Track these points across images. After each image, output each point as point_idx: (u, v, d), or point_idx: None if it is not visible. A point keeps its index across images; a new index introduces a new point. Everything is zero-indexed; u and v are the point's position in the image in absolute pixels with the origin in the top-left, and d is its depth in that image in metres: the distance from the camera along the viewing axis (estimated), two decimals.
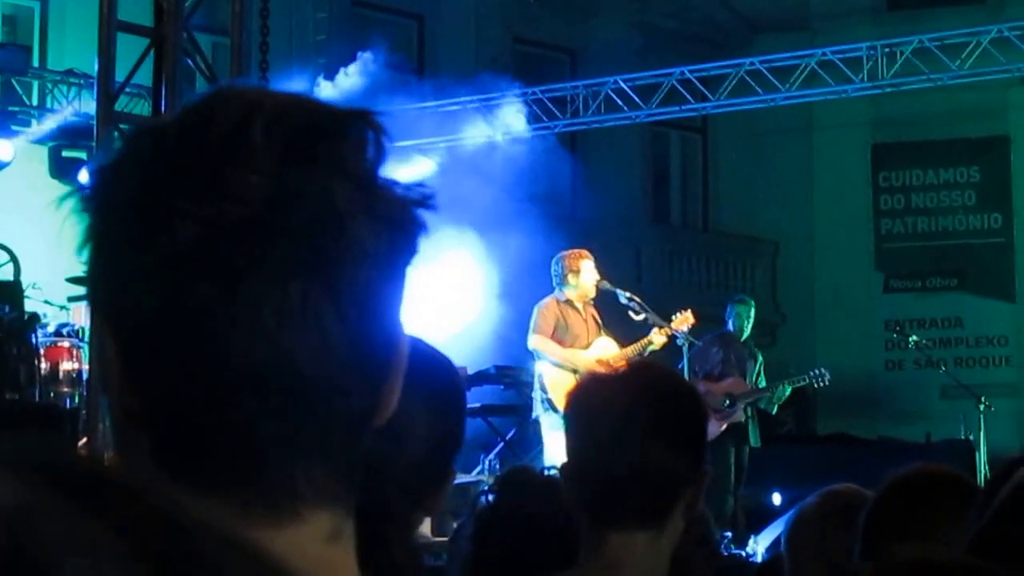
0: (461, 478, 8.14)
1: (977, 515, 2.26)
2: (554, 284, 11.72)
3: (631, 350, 11.77)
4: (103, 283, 1.18)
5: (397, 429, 2.22)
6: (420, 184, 1.23)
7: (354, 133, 1.18)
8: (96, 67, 11.14)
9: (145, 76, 11.34)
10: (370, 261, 1.16)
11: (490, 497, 3.31)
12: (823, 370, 13.97)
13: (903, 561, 1.90)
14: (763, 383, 13.72)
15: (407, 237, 1.20)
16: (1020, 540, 2.16)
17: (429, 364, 2.39)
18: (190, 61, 11.26)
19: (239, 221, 1.12)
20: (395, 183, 1.21)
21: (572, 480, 2.74)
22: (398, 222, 1.19)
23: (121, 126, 11.03)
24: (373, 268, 1.17)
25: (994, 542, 2.16)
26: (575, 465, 2.74)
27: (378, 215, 1.17)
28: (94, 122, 11.43)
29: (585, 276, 11.57)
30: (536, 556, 2.92)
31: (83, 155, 15.11)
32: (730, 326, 13.68)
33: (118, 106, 11.34)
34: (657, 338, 12.00)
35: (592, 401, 2.74)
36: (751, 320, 13.71)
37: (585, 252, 11.77)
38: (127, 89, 11.56)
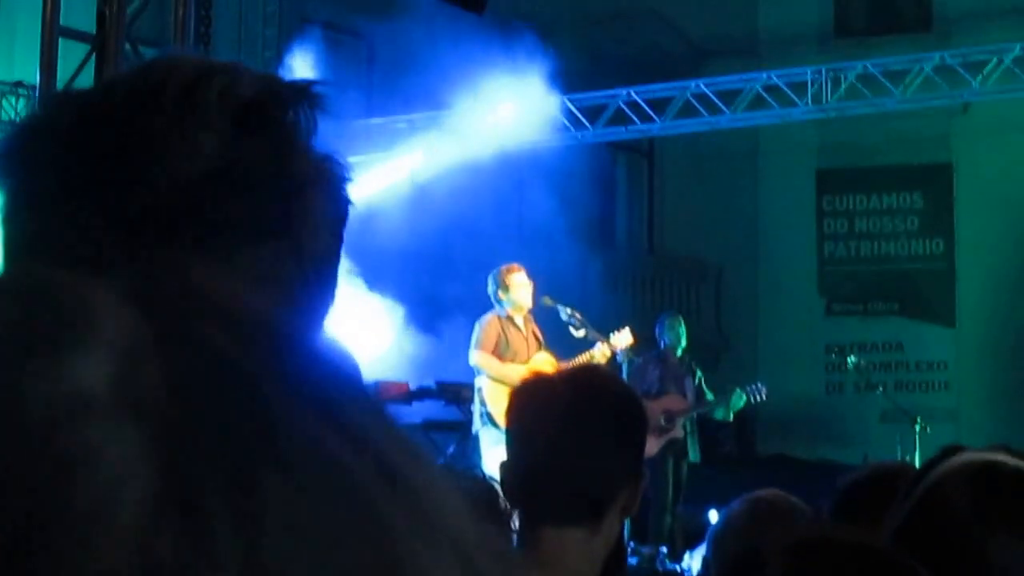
0: None
1: (902, 500, 2.26)
2: (492, 301, 11.84)
3: (569, 365, 11.88)
4: (34, 244, 1.15)
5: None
6: (344, 159, 1.25)
7: (302, 104, 1.18)
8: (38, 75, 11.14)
9: (87, 84, 11.38)
10: (324, 225, 1.18)
11: None
12: (760, 385, 14.11)
13: (805, 538, 1.88)
14: (710, 396, 13.84)
15: (344, 207, 1.22)
16: (931, 537, 2.16)
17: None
18: None
19: (201, 176, 1.11)
20: (331, 155, 1.22)
21: (511, 475, 2.77)
22: (337, 191, 1.21)
23: None
24: (327, 233, 1.19)
25: (909, 534, 2.17)
26: (514, 460, 2.77)
27: (325, 183, 1.19)
28: None
29: (516, 290, 11.67)
30: None
31: None
32: (664, 342, 13.80)
33: None
34: (599, 355, 12.13)
35: (535, 398, 2.79)
36: (684, 336, 13.81)
37: (515, 266, 11.87)
38: None
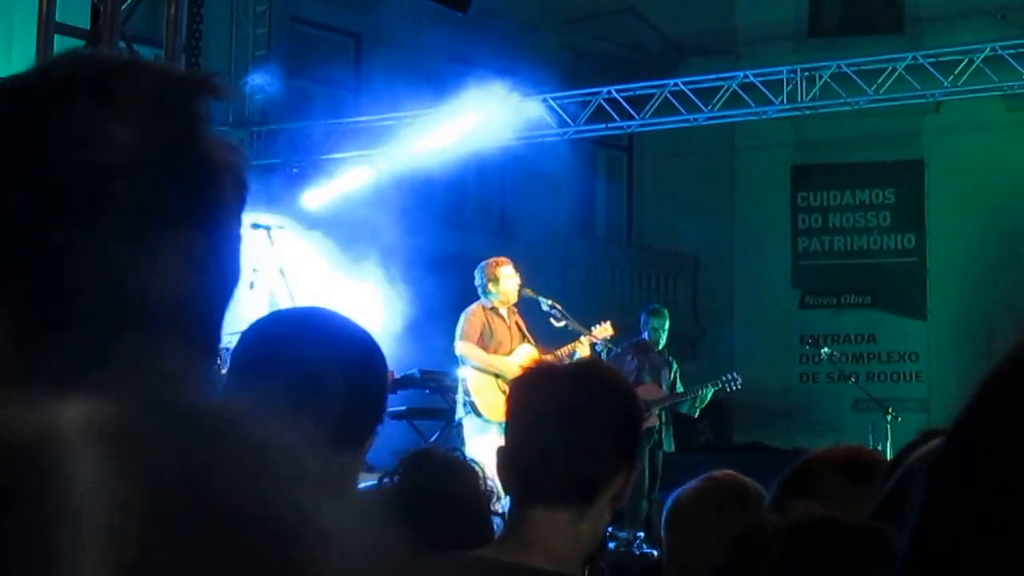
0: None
1: (880, 486, 2.26)
2: (479, 293, 11.99)
3: (553, 356, 12.02)
4: None
5: (315, 382, 2.43)
6: (239, 146, 1.28)
7: (206, 94, 1.21)
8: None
9: None
10: (231, 213, 1.21)
11: (394, 478, 3.37)
12: (735, 375, 14.27)
13: (809, 518, 1.94)
14: (680, 388, 13.99)
15: (244, 193, 1.24)
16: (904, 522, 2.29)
17: (346, 327, 2.60)
18: None
19: (116, 165, 1.13)
20: (231, 142, 1.25)
21: (507, 459, 2.84)
22: (241, 179, 1.24)
23: None
24: (234, 219, 1.22)
25: (888, 516, 2.15)
26: (512, 445, 2.85)
27: (231, 169, 1.22)
28: None
29: (504, 283, 11.85)
30: (440, 534, 2.81)
31: None
32: (645, 336, 13.94)
33: None
34: (582, 348, 12.34)
35: (538, 387, 2.88)
36: (667, 330, 14.04)
37: (503, 259, 12.05)
38: None
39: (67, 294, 1.12)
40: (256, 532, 0.68)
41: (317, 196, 16.31)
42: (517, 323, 12.05)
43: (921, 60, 16.66)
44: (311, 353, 2.51)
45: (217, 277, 1.19)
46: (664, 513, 3.97)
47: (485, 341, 11.87)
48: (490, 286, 11.87)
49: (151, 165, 1.14)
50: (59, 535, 0.70)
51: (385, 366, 2.62)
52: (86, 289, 1.11)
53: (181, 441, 0.63)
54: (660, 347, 13.90)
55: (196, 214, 1.16)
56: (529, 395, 2.88)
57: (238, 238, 1.22)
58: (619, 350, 13.27)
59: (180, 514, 0.59)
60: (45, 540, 0.65)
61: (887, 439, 15.32)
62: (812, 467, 3.13)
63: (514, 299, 11.92)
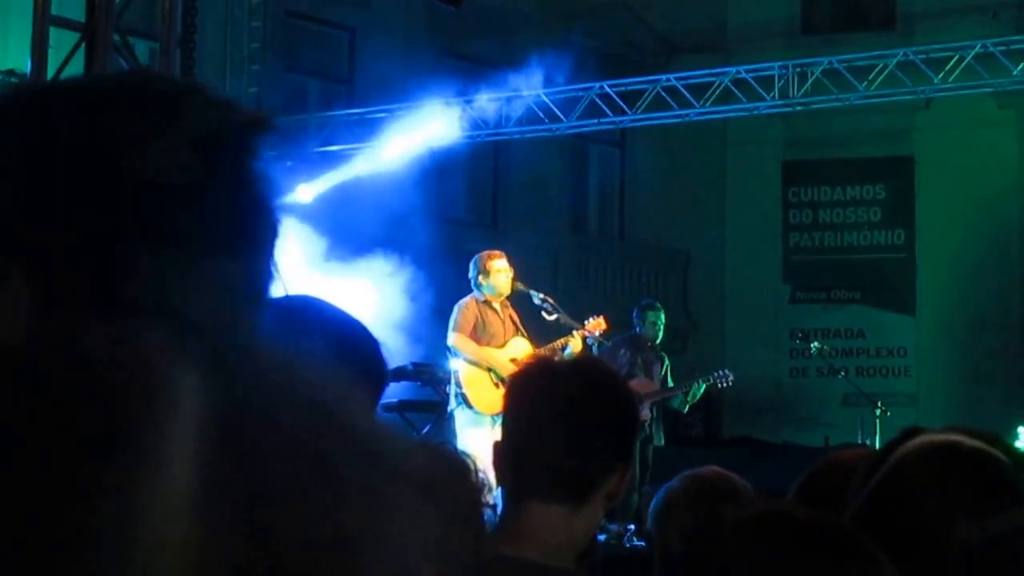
0: None
1: (863, 481, 2.27)
2: (472, 286, 12.00)
3: (545, 350, 12.05)
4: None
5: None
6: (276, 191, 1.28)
7: (259, 131, 1.22)
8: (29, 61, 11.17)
9: (77, 72, 11.04)
10: (270, 242, 1.22)
11: None
12: (727, 371, 14.26)
13: (761, 513, 1.93)
14: (671, 384, 14.00)
15: (278, 227, 1.24)
16: (893, 516, 2.19)
17: (338, 314, 2.62)
18: (125, 64, 11.12)
19: (173, 187, 1.13)
20: (271, 175, 1.25)
21: (503, 453, 2.85)
22: (277, 220, 1.24)
23: None
24: (271, 249, 1.22)
25: (871, 514, 2.19)
26: (508, 439, 2.86)
27: (271, 202, 1.23)
28: None
29: (496, 275, 11.85)
30: None
31: None
32: (641, 330, 13.91)
33: None
34: (574, 342, 12.36)
35: (536, 382, 2.89)
36: (663, 325, 14.10)
37: (496, 252, 12.07)
38: None
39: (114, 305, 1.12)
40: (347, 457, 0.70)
41: (310, 189, 16.35)
42: (511, 316, 12.06)
43: (912, 57, 16.68)
44: (304, 341, 2.54)
45: (250, 310, 1.20)
46: (652, 509, 4.00)
47: (478, 334, 11.87)
48: (482, 279, 11.88)
49: (197, 193, 1.14)
50: (170, 464, 0.73)
51: (380, 354, 2.62)
52: (132, 305, 1.11)
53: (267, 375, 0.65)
54: (658, 341, 13.91)
55: (237, 244, 1.17)
56: (527, 390, 2.90)
57: (271, 271, 1.23)
58: (609, 344, 13.29)
59: (284, 439, 0.62)
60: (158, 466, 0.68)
61: (876, 434, 15.39)
62: (836, 467, 3.11)
63: (507, 292, 11.94)
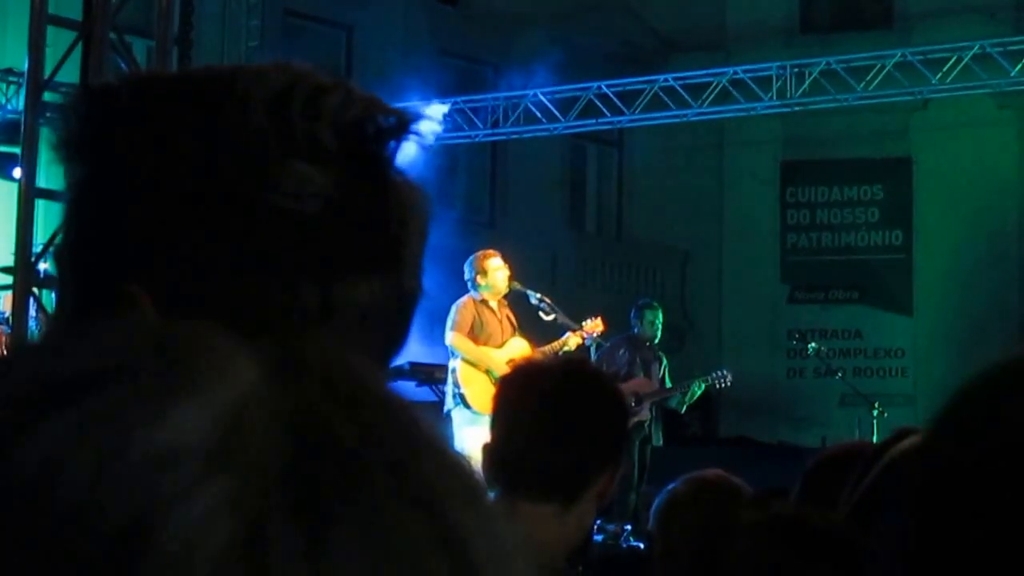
0: None
1: (856, 481, 2.24)
2: (469, 286, 11.98)
3: (543, 350, 12.02)
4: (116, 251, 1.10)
5: None
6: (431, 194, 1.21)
7: (405, 135, 1.15)
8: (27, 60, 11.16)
9: (75, 74, 11.29)
10: (416, 261, 1.16)
11: None
12: (725, 371, 14.23)
13: (776, 516, 1.95)
14: (669, 383, 13.96)
15: (426, 239, 1.18)
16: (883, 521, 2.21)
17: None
18: (122, 63, 11.22)
19: (308, 207, 1.07)
20: (423, 188, 1.18)
21: (493, 454, 2.85)
22: (426, 227, 1.18)
23: (47, 114, 11.09)
24: (417, 268, 1.16)
25: (864, 514, 2.15)
26: (498, 439, 2.87)
27: (419, 218, 1.16)
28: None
29: (492, 275, 11.83)
30: None
31: (17, 151, 15.27)
32: (639, 330, 13.85)
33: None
34: (573, 340, 12.34)
35: (526, 383, 2.92)
36: (661, 324, 14.11)
37: (492, 252, 12.07)
38: (61, 89, 11.65)
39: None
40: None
41: None
42: (508, 316, 12.06)
43: (910, 57, 16.76)
44: None
45: (395, 334, 1.15)
46: (654, 510, 4.00)
47: (476, 333, 11.86)
48: (479, 278, 11.88)
49: (338, 211, 1.09)
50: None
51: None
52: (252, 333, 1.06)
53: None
54: (656, 340, 13.91)
55: (379, 265, 1.12)
56: (516, 391, 2.91)
57: (417, 292, 1.16)
58: (608, 345, 13.29)
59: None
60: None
61: (873, 434, 15.35)
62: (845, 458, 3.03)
63: (504, 289, 11.95)
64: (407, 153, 1.15)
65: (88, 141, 1.11)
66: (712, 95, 17.02)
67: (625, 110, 17.31)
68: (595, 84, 17.16)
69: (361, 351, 1.05)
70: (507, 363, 11.30)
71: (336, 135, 1.10)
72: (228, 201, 1.07)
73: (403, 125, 1.14)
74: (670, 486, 3.99)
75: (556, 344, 12.32)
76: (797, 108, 17.31)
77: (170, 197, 1.07)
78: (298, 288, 1.07)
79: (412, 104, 16.56)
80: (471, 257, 12.10)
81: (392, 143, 1.13)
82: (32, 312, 10.69)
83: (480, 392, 11.67)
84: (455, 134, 17.30)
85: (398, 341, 1.17)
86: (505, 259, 12.10)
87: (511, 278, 12.07)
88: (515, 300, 12.31)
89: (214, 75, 1.13)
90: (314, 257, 1.07)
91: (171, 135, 1.08)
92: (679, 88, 17.11)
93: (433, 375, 13.49)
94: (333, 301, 1.08)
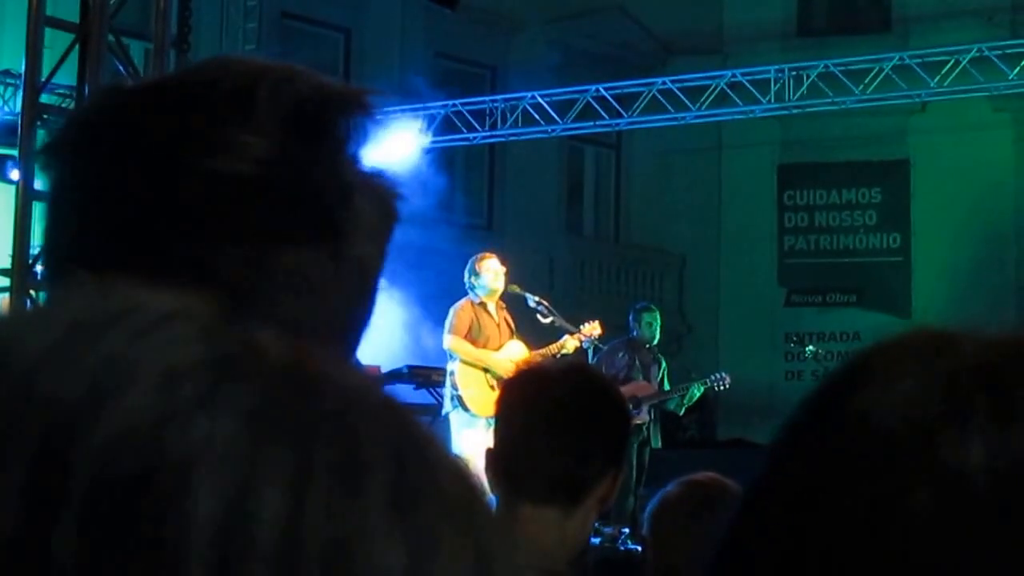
0: None
1: None
2: (467, 289, 12.04)
3: (541, 353, 12.10)
4: (81, 235, 1.14)
5: None
6: (396, 176, 1.23)
7: (355, 112, 1.16)
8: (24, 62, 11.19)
9: (72, 76, 11.35)
10: (367, 235, 1.17)
11: None
12: (723, 374, 14.32)
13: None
14: (667, 386, 14.01)
15: (390, 220, 1.20)
16: None
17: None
18: (119, 65, 11.29)
19: (240, 178, 1.10)
20: (380, 168, 1.20)
21: (496, 457, 2.86)
22: (384, 204, 1.19)
23: (44, 116, 11.13)
24: (369, 242, 1.17)
25: None
26: (501, 443, 2.89)
27: (371, 193, 1.18)
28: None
29: (486, 276, 11.90)
30: None
31: (15, 152, 15.29)
32: (638, 333, 13.84)
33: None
34: (571, 343, 12.37)
35: (528, 388, 2.93)
36: (658, 327, 14.06)
37: (488, 254, 12.13)
38: (58, 91, 11.63)
39: None
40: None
41: None
42: (506, 319, 12.11)
43: (908, 60, 16.76)
44: None
45: (338, 300, 1.15)
46: (647, 515, 4.00)
47: (473, 336, 11.90)
48: (473, 279, 11.95)
49: (272, 181, 1.11)
50: None
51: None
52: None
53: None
54: (655, 343, 13.92)
55: (315, 235, 1.13)
56: (519, 396, 2.92)
57: (371, 265, 1.18)
58: (607, 348, 13.31)
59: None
60: None
61: None
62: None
63: (498, 288, 11.96)
64: (370, 136, 1.17)
65: (58, 144, 1.17)
66: (710, 98, 17.02)
67: (623, 113, 17.31)
68: (593, 87, 17.15)
69: (304, 318, 1.09)
70: (511, 363, 11.32)
71: (275, 106, 1.12)
72: (162, 164, 1.10)
73: (349, 101, 1.16)
74: (663, 489, 3.99)
75: (554, 347, 12.35)
76: (795, 111, 17.31)
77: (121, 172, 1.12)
78: (224, 251, 1.09)
79: (410, 107, 16.62)
80: (470, 260, 12.13)
81: (340, 120, 1.15)
82: None
83: (478, 395, 11.69)
84: (453, 136, 17.30)
85: (357, 313, 1.17)
86: (503, 262, 12.13)
87: (508, 280, 12.10)
88: (513, 303, 12.34)
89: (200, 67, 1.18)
90: (243, 222, 1.09)
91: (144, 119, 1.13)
92: (677, 91, 17.11)
93: (431, 378, 13.47)
94: (262, 265, 1.10)
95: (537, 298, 12.57)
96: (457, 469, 0.57)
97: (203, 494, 0.50)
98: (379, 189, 1.19)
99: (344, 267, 1.14)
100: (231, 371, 0.53)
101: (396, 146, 16.34)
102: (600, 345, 13.05)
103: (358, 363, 2.12)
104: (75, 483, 0.50)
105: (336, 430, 0.54)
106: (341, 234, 1.14)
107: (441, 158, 16.89)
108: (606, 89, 17.22)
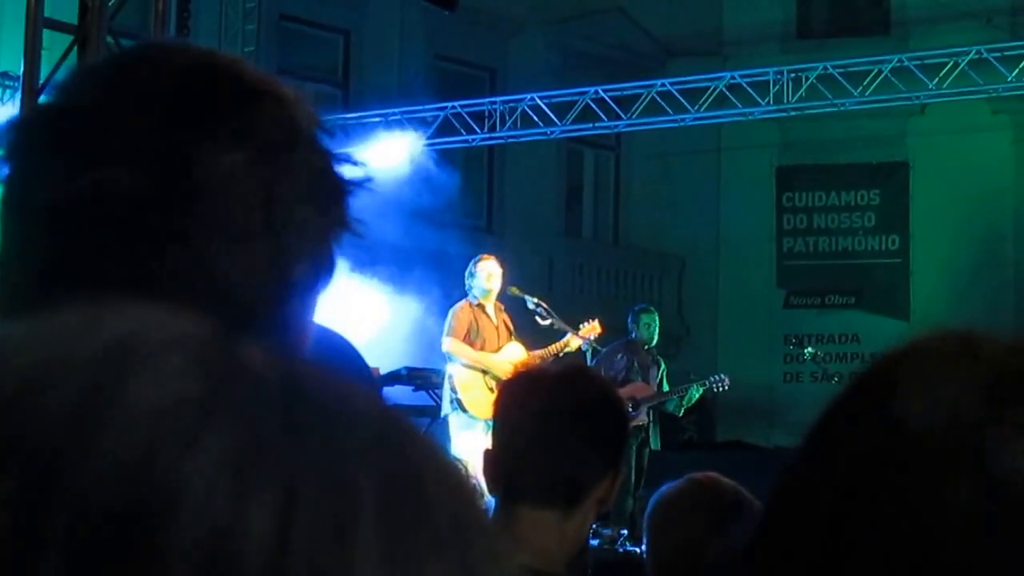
0: None
1: None
2: (466, 290, 12.10)
3: (540, 355, 12.13)
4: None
5: None
6: (348, 156, 1.25)
7: (266, 103, 1.16)
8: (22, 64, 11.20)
9: None
10: (309, 228, 1.18)
11: None
12: (722, 376, 14.37)
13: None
14: (666, 388, 14.05)
15: (337, 215, 1.21)
16: None
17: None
18: None
19: (131, 186, 1.09)
20: (323, 154, 1.20)
21: (494, 460, 2.86)
22: (330, 198, 1.20)
23: None
24: (311, 236, 1.18)
25: None
26: (499, 445, 2.89)
27: (316, 189, 1.18)
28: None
29: (480, 277, 11.94)
30: None
31: None
32: (637, 335, 13.91)
33: None
34: (574, 341, 12.43)
35: (526, 389, 2.93)
36: (657, 328, 14.07)
37: (487, 256, 12.18)
38: None
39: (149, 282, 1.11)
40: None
41: None
42: (504, 321, 12.15)
43: (907, 62, 16.78)
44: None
45: (277, 295, 1.16)
46: (646, 515, 4.00)
47: (472, 338, 11.94)
48: (471, 281, 11.99)
49: (207, 180, 1.11)
50: None
51: (365, 364, 2.61)
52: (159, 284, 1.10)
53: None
54: (653, 344, 13.93)
55: (249, 231, 1.14)
56: (517, 397, 2.92)
57: (315, 258, 1.19)
58: (605, 351, 13.33)
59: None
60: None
61: None
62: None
63: (494, 288, 12.00)
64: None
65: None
66: (709, 100, 17.04)
67: (622, 115, 17.32)
68: (592, 89, 17.16)
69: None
70: (510, 365, 11.32)
71: (222, 108, 1.13)
72: (105, 170, 1.10)
73: (296, 101, 1.17)
74: (662, 489, 3.98)
75: (553, 348, 12.39)
76: (794, 113, 17.35)
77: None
78: (160, 246, 1.10)
79: (409, 109, 16.62)
80: (471, 261, 12.16)
81: (283, 116, 1.16)
82: None
83: (477, 396, 11.71)
84: (452, 138, 17.29)
85: (292, 303, 1.17)
86: (502, 264, 12.15)
87: (506, 282, 12.12)
88: (512, 305, 12.35)
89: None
90: (171, 218, 1.10)
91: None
92: (676, 93, 17.12)
93: (430, 380, 13.51)
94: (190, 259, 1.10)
95: (536, 300, 12.60)
96: (452, 481, 0.57)
97: (188, 529, 0.50)
98: (325, 184, 1.20)
99: (282, 261, 1.16)
100: (219, 408, 0.54)
101: (395, 148, 16.37)
102: (599, 347, 13.07)
103: (332, 335, 2.18)
104: (60, 517, 0.50)
105: (324, 461, 0.54)
106: (274, 230, 1.15)
107: (440, 160, 16.89)
108: (605, 91, 17.23)
